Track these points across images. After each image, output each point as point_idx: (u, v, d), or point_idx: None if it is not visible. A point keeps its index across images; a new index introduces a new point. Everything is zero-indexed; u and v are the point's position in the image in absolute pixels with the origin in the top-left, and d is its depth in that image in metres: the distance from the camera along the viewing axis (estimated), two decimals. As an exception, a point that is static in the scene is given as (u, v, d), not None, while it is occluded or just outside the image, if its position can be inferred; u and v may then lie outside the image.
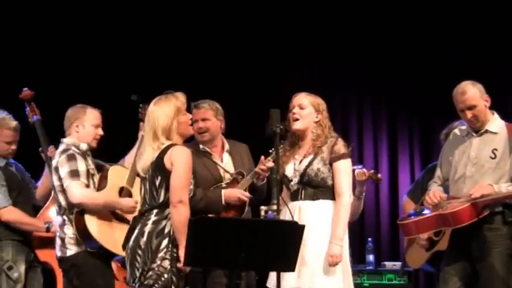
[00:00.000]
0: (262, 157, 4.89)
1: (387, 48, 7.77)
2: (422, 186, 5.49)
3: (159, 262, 4.17)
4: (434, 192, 4.74)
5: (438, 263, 5.30)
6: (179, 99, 4.35)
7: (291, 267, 4.10)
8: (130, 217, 4.52)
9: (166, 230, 4.21)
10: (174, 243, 4.20)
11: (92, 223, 4.71)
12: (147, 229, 4.22)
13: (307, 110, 4.77)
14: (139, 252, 4.20)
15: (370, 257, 7.09)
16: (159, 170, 4.23)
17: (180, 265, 4.16)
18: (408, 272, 6.71)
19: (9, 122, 5.34)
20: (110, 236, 4.75)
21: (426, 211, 4.75)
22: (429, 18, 7.69)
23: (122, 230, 4.55)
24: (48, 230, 5.23)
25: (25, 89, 5.49)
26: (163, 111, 4.29)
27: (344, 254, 4.66)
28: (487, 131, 4.73)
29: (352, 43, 7.79)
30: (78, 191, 4.68)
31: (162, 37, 7.70)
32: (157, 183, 4.24)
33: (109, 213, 4.81)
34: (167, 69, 7.55)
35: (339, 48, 7.79)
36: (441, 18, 7.66)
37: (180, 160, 4.19)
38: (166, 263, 4.19)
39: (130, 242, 4.25)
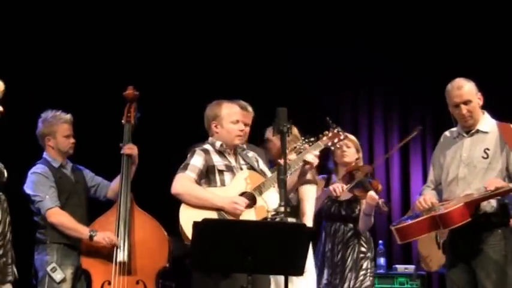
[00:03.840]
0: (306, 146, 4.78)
1: (399, 43, 7.76)
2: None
3: None
4: (425, 197, 4.65)
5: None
6: None
7: (299, 271, 3.98)
8: None
9: None
10: None
11: (184, 213, 4.59)
12: None
13: None
14: None
15: (381, 260, 6.99)
16: None
17: None
18: (421, 276, 6.64)
19: (64, 116, 5.22)
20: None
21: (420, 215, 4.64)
22: (445, 19, 7.70)
23: None
24: (91, 238, 5.06)
25: (130, 87, 5.31)
26: None
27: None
28: (478, 131, 4.68)
29: (364, 40, 7.75)
30: (176, 182, 4.62)
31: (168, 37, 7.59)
32: None
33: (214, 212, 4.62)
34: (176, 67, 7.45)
35: (351, 46, 7.75)
36: (455, 19, 7.67)
37: None
38: None
39: None
